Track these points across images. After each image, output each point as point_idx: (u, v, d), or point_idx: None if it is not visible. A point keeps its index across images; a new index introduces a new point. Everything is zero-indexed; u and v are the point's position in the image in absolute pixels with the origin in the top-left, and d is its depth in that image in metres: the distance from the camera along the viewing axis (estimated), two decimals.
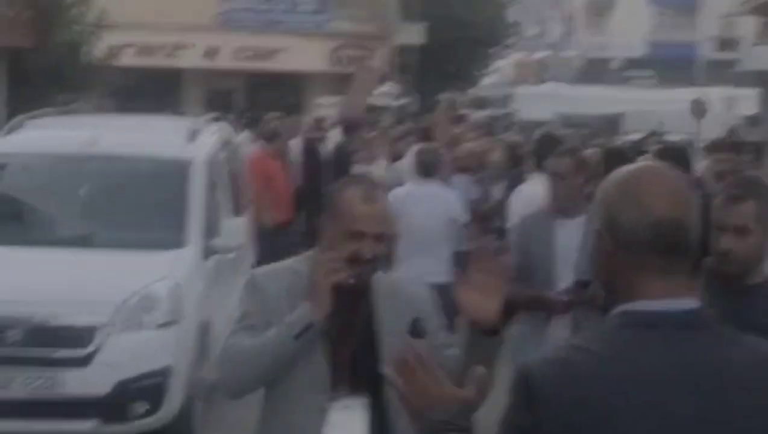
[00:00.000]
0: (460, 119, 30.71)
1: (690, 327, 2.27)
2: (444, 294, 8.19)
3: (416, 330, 2.92)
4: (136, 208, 8.62)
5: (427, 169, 9.56)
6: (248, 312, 3.78)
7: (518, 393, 2.27)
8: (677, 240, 2.29)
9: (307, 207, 15.20)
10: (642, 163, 2.41)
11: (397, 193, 9.30)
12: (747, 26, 49.97)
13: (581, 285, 5.68)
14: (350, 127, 16.22)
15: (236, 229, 9.03)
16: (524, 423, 2.24)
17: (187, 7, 31.90)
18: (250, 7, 33.17)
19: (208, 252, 8.49)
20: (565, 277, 5.91)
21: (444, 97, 53.32)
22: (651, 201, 2.29)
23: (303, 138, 16.70)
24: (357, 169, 13.72)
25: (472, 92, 55.88)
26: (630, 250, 2.29)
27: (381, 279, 3.86)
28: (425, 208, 9.17)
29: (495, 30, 49.55)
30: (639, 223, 2.28)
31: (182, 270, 7.98)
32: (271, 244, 12.02)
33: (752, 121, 42.06)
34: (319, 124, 17.62)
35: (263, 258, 11.98)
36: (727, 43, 46.67)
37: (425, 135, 15.33)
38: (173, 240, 8.20)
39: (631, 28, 67.98)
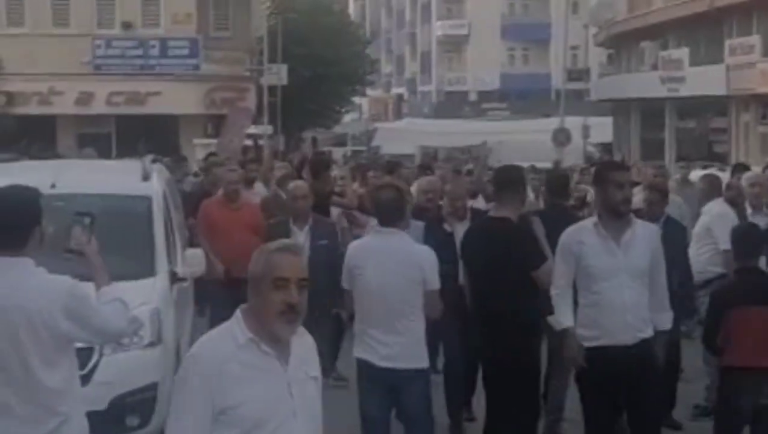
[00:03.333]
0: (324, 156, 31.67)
1: None
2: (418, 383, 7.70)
3: None
4: (106, 242, 9.28)
5: (392, 213, 7.35)
6: None
7: None
8: None
9: None
10: None
11: (354, 246, 7.80)
12: (595, 58, 52.21)
13: None
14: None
15: (195, 259, 9.79)
16: None
17: (59, 54, 32.29)
18: (123, 53, 33.69)
19: (173, 280, 9.26)
20: None
21: (307, 135, 54.29)
22: None
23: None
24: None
25: (336, 129, 57.03)
26: None
27: None
28: (386, 266, 7.25)
29: (356, 67, 50.67)
30: None
31: (157, 297, 8.72)
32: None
33: (606, 147, 44.07)
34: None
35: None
36: (576, 75, 48.69)
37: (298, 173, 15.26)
38: (145, 270, 8.91)
39: (485, 63, 69.95)
